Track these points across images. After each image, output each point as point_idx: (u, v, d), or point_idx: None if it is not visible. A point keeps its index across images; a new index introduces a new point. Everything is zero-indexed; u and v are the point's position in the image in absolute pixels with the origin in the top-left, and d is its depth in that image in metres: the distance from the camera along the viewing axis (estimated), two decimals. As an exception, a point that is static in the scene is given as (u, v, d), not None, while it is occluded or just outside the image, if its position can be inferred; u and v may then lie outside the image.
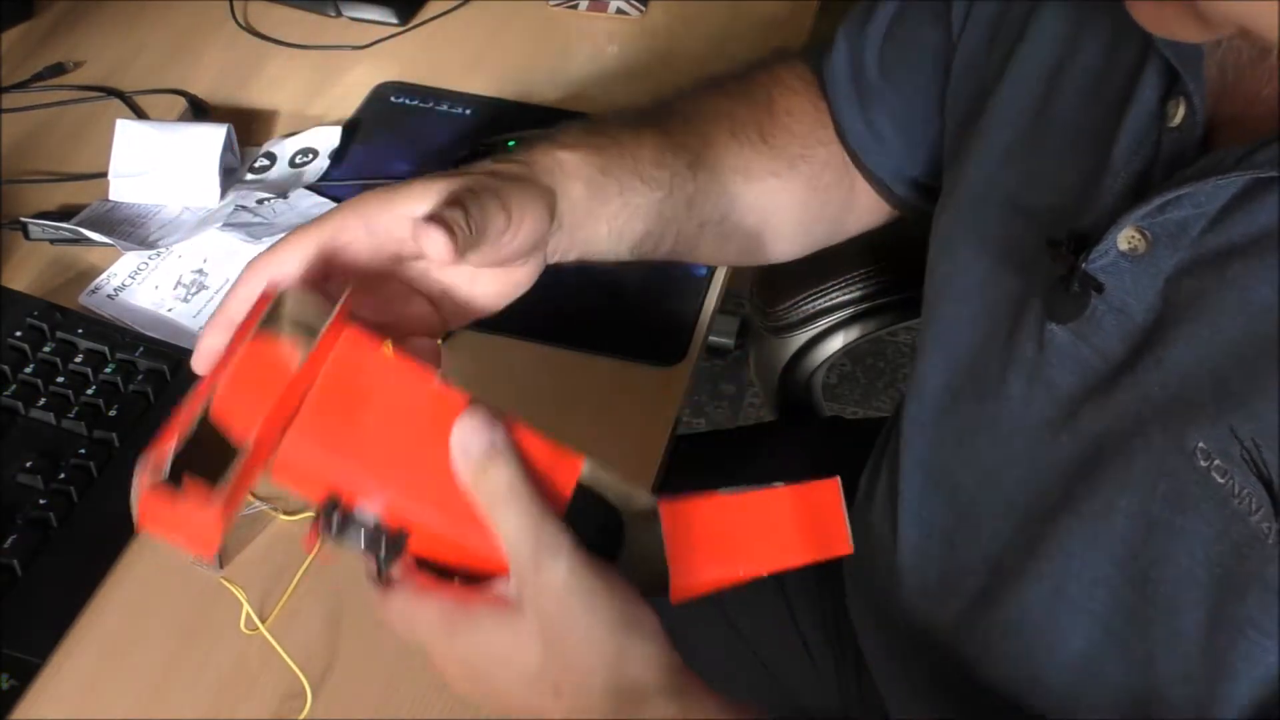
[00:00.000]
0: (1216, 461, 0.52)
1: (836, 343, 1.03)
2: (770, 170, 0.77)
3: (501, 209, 0.57)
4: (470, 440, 0.50)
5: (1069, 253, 0.58)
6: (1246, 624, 0.53)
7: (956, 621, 0.69)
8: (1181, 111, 0.55)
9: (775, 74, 0.81)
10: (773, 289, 1.02)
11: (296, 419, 0.48)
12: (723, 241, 0.77)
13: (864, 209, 0.81)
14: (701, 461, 0.99)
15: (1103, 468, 0.58)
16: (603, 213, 0.67)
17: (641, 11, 1.12)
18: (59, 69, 1.05)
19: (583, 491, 0.51)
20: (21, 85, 1.04)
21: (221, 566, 0.72)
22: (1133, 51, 0.59)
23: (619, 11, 1.12)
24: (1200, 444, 0.53)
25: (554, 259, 0.65)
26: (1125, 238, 0.56)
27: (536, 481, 0.50)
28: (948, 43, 0.73)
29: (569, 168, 0.65)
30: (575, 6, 1.12)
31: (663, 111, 0.76)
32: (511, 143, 0.94)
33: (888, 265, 1.00)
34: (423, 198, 0.56)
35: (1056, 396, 0.61)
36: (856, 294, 1.00)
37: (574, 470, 0.51)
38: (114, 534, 0.73)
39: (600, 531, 0.51)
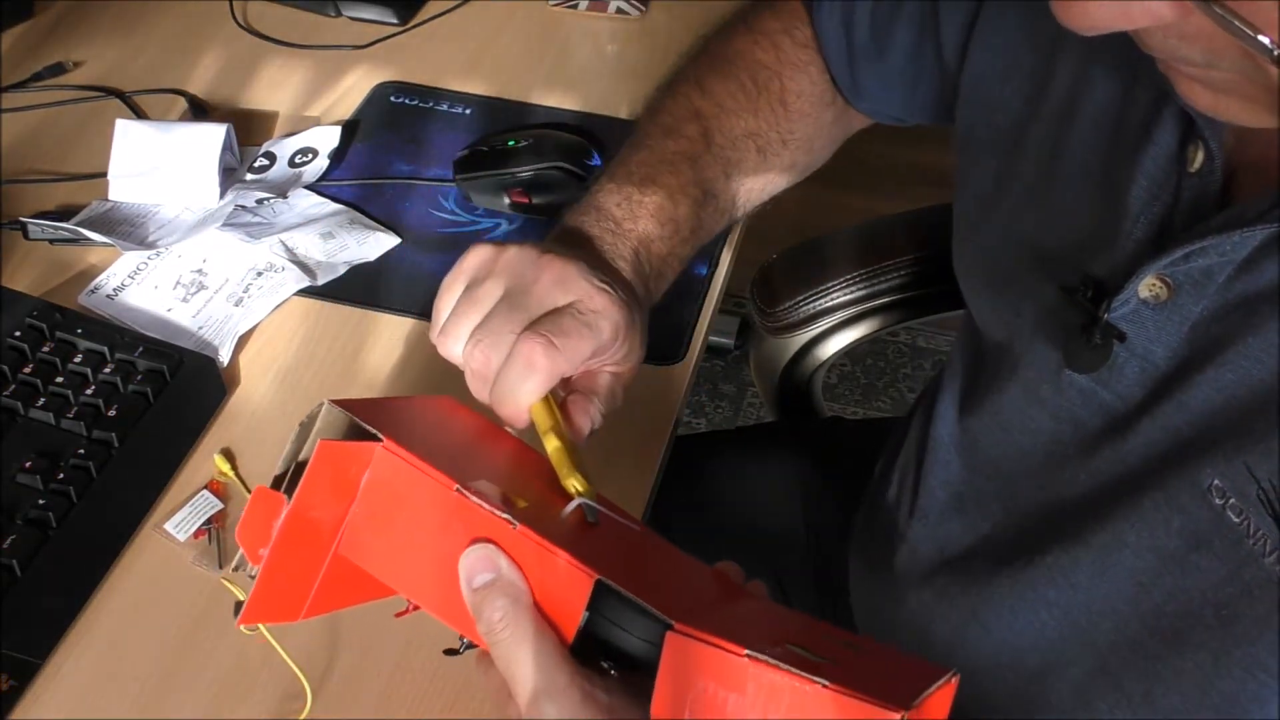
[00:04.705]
0: (1231, 500, 0.52)
1: (836, 343, 1.03)
2: (788, 164, 0.81)
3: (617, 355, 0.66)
4: (474, 571, 0.49)
5: (1087, 300, 0.57)
6: (1256, 667, 0.52)
7: (954, 633, 0.69)
8: (1200, 157, 0.54)
9: (779, 45, 0.81)
10: (772, 289, 1.01)
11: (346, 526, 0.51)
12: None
13: (862, 122, 0.86)
14: (702, 461, 0.99)
15: (1115, 502, 0.58)
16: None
17: (641, 11, 1.12)
18: (59, 69, 1.05)
19: (622, 601, 0.48)
20: (21, 85, 1.04)
21: (221, 567, 0.72)
22: (1150, 91, 0.57)
23: (619, 11, 1.12)
24: (1215, 481, 0.52)
25: None
26: (1146, 285, 0.55)
27: (548, 604, 0.49)
28: (933, 35, 0.73)
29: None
30: (575, 6, 1.12)
31: (694, 136, 0.77)
32: (511, 142, 0.94)
33: (888, 266, 1.00)
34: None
35: (1081, 437, 0.60)
36: (856, 294, 1.00)
37: (584, 588, 0.48)
38: (114, 534, 0.73)
39: (646, 641, 0.48)
